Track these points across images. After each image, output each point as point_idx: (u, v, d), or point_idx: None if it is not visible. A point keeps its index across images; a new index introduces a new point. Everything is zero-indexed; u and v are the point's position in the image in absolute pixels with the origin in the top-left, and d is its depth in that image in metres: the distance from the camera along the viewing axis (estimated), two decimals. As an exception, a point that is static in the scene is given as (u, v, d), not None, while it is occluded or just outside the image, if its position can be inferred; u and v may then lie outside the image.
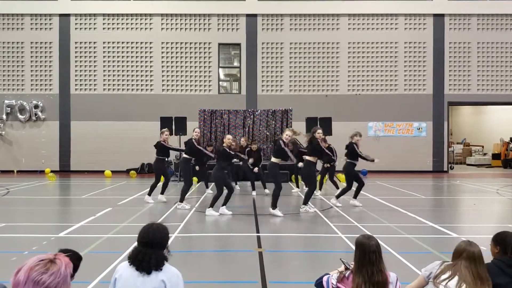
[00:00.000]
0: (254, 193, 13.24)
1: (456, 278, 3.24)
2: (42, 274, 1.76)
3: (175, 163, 18.43)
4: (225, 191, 9.72)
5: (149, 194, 11.44)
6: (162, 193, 11.57)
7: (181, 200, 10.61)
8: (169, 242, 3.15)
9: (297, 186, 14.15)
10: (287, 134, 9.68)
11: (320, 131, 10.07)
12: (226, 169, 10.47)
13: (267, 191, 13.06)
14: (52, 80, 21.54)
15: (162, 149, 11.46)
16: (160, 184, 11.72)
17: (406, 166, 20.80)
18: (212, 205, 9.67)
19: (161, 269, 2.92)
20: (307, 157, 10.08)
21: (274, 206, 9.60)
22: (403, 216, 9.64)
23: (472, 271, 3.25)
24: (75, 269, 3.10)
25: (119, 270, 3.01)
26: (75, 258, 3.14)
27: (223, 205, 9.73)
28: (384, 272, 3.11)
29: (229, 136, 10.14)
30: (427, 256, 6.24)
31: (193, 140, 10.95)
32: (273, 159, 9.78)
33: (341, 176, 16.88)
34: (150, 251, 2.94)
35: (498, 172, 22.63)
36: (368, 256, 3.09)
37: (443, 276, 3.27)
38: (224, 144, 9.94)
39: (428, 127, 21.52)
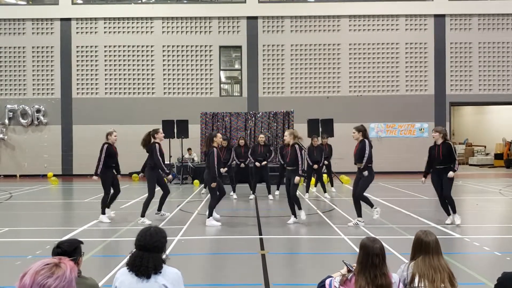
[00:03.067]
0: (251, 196, 12.71)
1: (421, 279, 3.24)
2: (47, 278, 1.77)
3: (177, 166, 18.45)
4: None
5: (108, 207, 9.81)
6: (108, 208, 9.81)
7: (142, 214, 9.12)
8: (170, 245, 3.15)
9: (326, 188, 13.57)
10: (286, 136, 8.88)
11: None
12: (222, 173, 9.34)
13: (271, 197, 12.62)
14: (54, 84, 21.59)
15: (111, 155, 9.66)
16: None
17: (408, 167, 20.75)
18: (210, 215, 8.87)
19: (160, 272, 2.92)
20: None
21: (295, 213, 8.93)
22: (406, 217, 9.63)
23: (428, 263, 3.27)
24: (79, 252, 3.12)
25: (119, 278, 3.00)
26: (78, 242, 3.17)
27: (209, 216, 8.89)
28: (388, 276, 3.11)
29: (219, 135, 9.13)
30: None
31: (156, 144, 9.30)
32: (290, 167, 8.85)
33: (344, 178, 16.90)
34: (147, 255, 2.94)
35: (500, 172, 22.58)
36: (371, 259, 3.09)
37: (416, 280, 3.26)
38: (214, 144, 8.86)
39: (430, 127, 21.46)
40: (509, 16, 21.50)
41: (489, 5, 21.48)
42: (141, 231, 3.09)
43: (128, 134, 20.78)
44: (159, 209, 9.57)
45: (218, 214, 9.33)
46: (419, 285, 3.22)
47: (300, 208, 8.88)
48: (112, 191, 9.65)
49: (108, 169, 9.56)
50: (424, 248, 3.34)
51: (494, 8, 21.41)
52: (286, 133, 8.94)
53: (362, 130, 8.82)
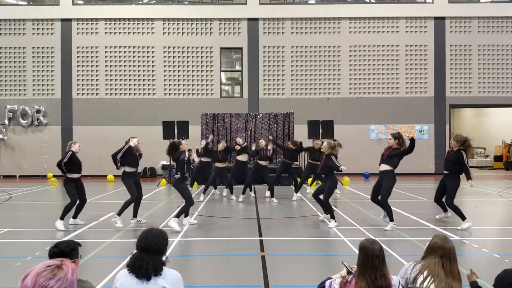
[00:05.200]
0: (252, 193, 13.55)
1: (429, 276, 3.25)
2: (49, 280, 1.78)
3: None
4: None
5: (75, 217, 9.43)
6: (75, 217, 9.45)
7: (119, 213, 8.93)
8: (170, 247, 3.16)
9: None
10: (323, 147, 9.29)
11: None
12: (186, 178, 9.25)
13: (274, 199, 12.43)
14: (54, 84, 21.61)
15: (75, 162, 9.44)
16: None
17: (408, 169, 20.69)
18: (178, 216, 8.65)
19: (160, 274, 2.93)
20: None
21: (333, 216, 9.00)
22: (406, 219, 9.64)
23: (445, 267, 3.27)
24: (76, 254, 3.09)
25: (119, 279, 3.01)
26: (75, 244, 3.14)
27: (176, 217, 8.61)
28: (388, 277, 3.12)
29: (183, 143, 8.90)
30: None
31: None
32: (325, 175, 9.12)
33: (344, 179, 16.90)
34: (147, 257, 2.95)
35: (500, 174, 22.60)
36: (371, 260, 3.09)
37: (420, 278, 3.26)
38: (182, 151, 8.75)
39: (429, 129, 21.53)
40: (508, 18, 21.54)
41: (489, 8, 21.53)
42: (143, 232, 3.10)
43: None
44: (135, 215, 9.30)
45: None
46: (422, 285, 3.21)
47: (332, 217, 8.94)
48: (78, 201, 9.32)
49: (71, 177, 9.24)
50: (445, 254, 3.31)
51: (494, 11, 21.46)
52: (325, 143, 9.22)
53: (399, 138, 8.96)
